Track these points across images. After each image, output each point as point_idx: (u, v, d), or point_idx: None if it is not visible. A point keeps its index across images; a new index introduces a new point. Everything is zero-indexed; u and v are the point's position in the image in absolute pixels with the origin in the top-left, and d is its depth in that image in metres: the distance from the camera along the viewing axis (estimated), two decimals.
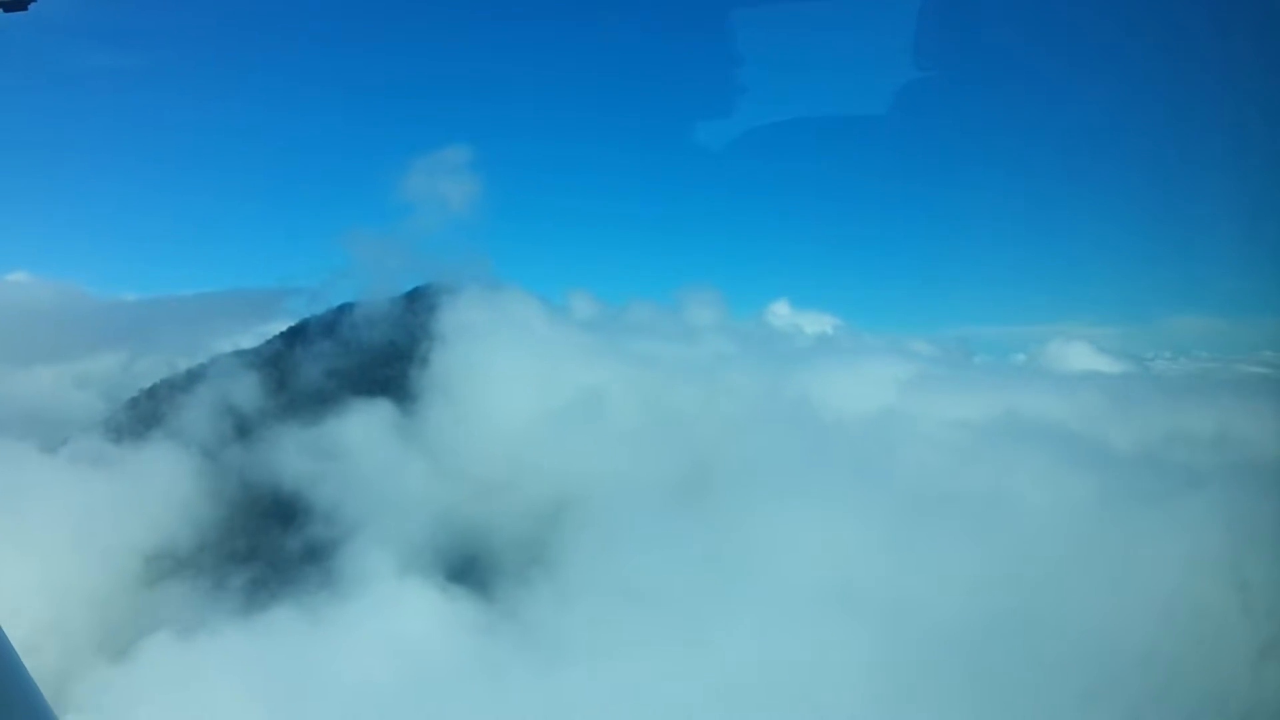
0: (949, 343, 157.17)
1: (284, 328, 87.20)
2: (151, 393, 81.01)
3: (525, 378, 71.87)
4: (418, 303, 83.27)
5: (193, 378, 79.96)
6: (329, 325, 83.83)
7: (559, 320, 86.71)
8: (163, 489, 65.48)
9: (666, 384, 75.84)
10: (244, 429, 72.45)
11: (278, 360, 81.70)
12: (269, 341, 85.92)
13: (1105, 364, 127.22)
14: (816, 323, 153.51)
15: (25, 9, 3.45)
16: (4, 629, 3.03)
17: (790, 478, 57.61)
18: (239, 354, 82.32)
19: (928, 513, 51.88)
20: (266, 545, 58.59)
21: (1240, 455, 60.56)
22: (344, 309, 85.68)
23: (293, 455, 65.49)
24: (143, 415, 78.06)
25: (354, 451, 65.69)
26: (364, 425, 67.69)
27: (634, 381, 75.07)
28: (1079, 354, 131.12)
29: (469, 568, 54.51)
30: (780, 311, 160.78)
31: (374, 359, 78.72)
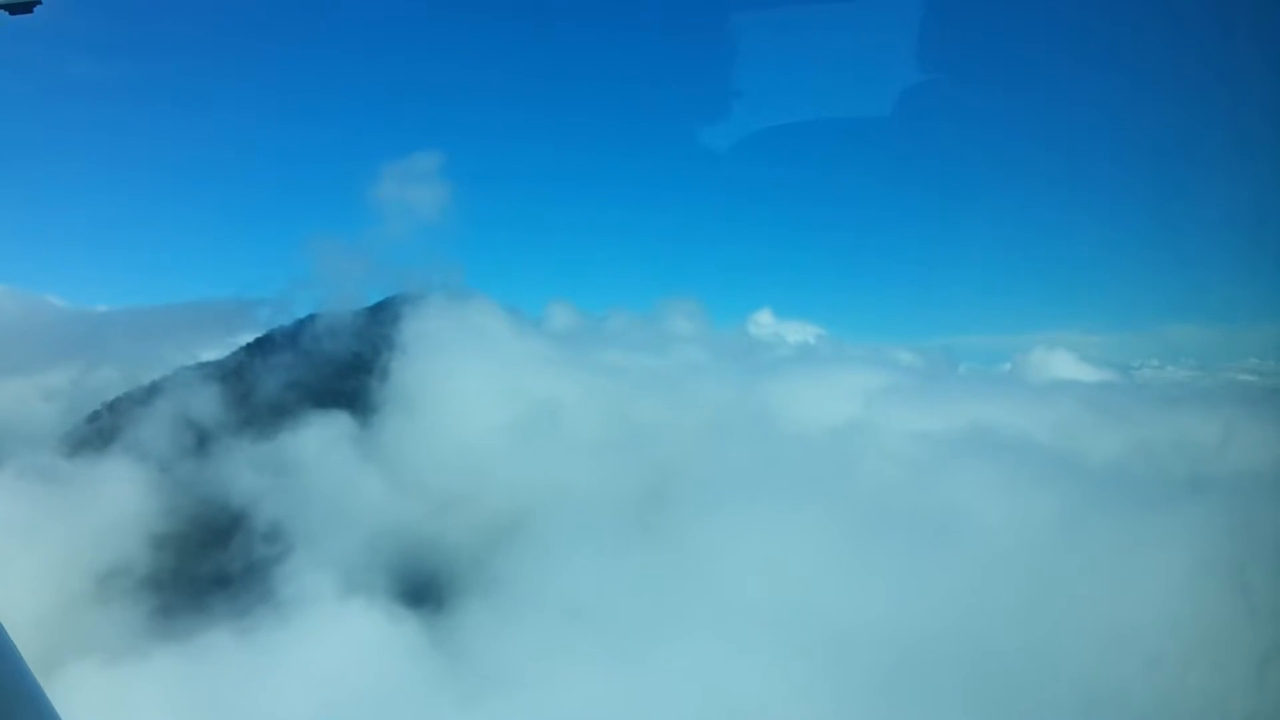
0: (934, 352, 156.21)
1: (251, 339, 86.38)
2: (113, 406, 79.83)
3: (487, 390, 70.80)
4: (382, 313, 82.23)
5: (154, 391, 78.74)
6: (294, 336, 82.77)
7: (527, 331, 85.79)
8: (115, 506, 64.25)
9: (631, 396, 74.80)
10: (202, 444, 71.20)
11: (241, 372, 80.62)
12: (235, 353, 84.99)
13: (1087, 373, 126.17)
14: (800, 332, 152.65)
15: (31, 11, 3.50)
16: (6, 630, 3.05)
17: (747, 493, 56.48)
18: (202, 366, 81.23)
19: (881, 530, 50.76)
20: (211, 565, 57.32)
21: (1211, 468, 59.55)
22: (310, 320, 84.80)
23: (247, 471, 64.32)
24: (102, 429, 76.82)
25: (309, 467, 64.51)
26: (321, 440, 66.53)
27: (598, 393, 74.04)
28: (1061, 362, 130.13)
29: (418, 587, 53.25)
30: (763, 321, 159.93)
31: (336, 371, 77.60)
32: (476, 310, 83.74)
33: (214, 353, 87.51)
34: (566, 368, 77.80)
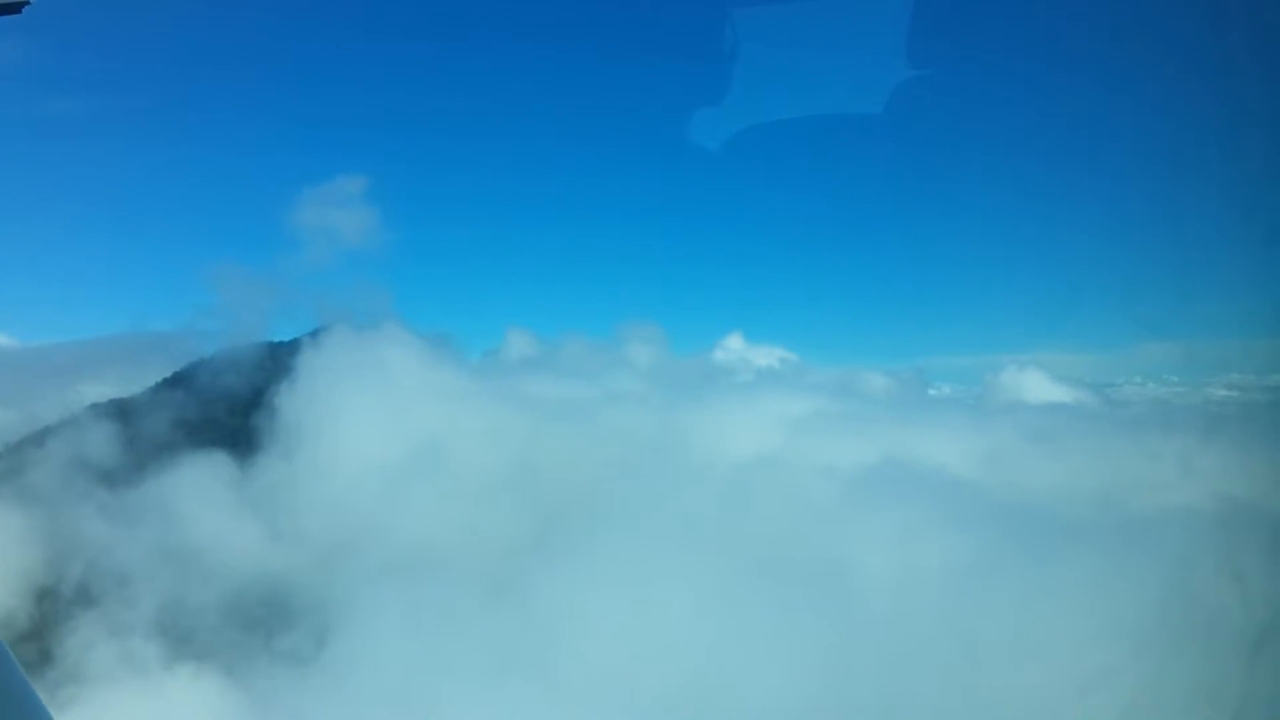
0: (907, 374, 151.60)
1: (162, 376, 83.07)
2: (6, 450, 76.51)
3: (379, 429, 66.86)
4: (286, 347, 78.80)
5: (47, 434, 75.38)
6: (200, 373, 79.49)
7: (445, 363, 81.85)
8: None
9: (540, 431, 70.61)
10: (81, 490, 67.64)
11: (138, 413, 76.91)
12: (143, 392, 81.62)
13: (1059, 393, 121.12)
14: (768, 357, 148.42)
15: (19, 12, 3.46)
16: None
17: (631, 538, 52.01)
18: (102, 406, 77.77)
19: (761, 580, 46.23)
20: (50, 625, 53.31)
21: (1156, 503, 54.54)
22: (220, 354, 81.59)
23: (106, 521, 60.49)
24: None
25: (177, 515, 60.60)
26: (195, 485, 62.65)
27: (504, 429, 69.92)
28: (1032, 383, 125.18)
29: (258, 648, 49.03)
30: (732, 345, 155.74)
31: (229, 410, 73.90)
32: (390, 343, 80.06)
33: (122, 390, 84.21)
34: (477, 402, 73.88)
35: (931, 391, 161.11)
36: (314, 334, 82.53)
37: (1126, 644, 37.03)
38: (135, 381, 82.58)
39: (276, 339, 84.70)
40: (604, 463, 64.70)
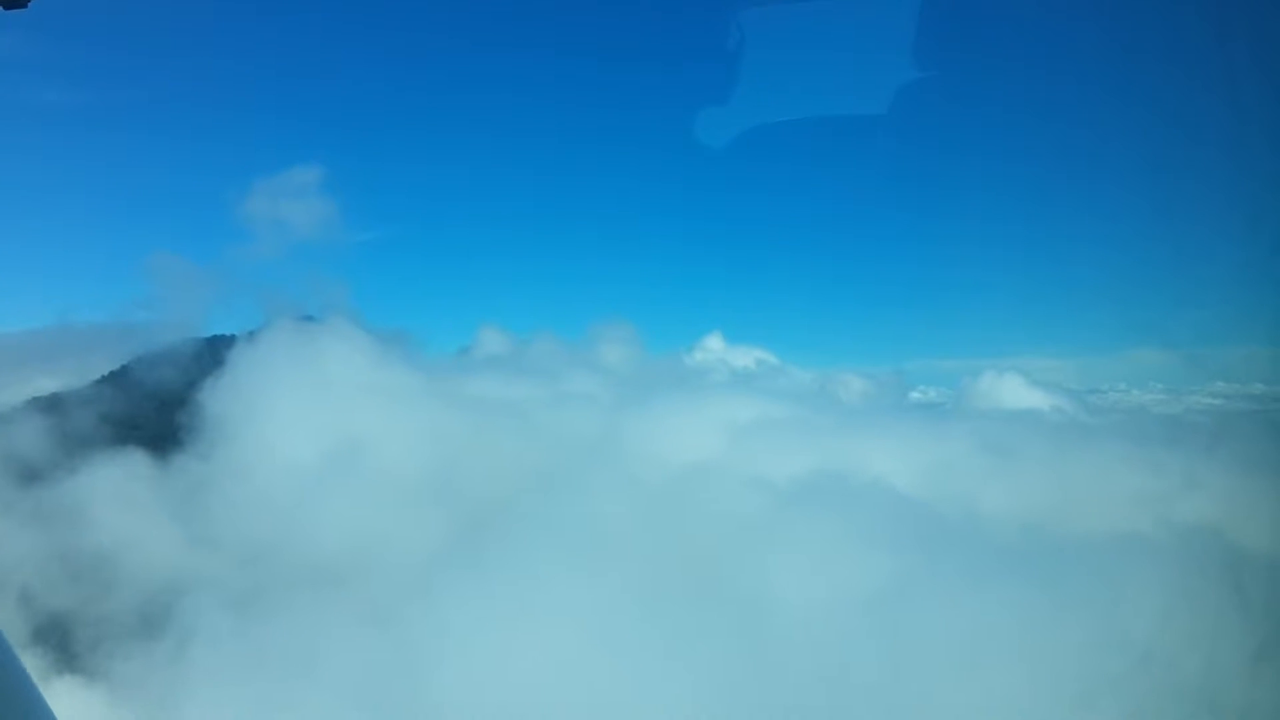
0: (886, 376, 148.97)
1: (103, 368, 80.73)
2: None
3: (311, 429, 64.34)
4: (224, 340, 76.43)
5: None
6: (144, 368, 77.11)
7: (390, 360, 79.24)
8: None
9: (481, 432, 68.02)
10: (9, 488, 65.29)
11: (69, 407, 74.70)
12: (84, 385, 79.33)
13: (1037, 398, 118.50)
14: (745, 357, 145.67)
15: (25, 6, 3.42)
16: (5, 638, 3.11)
17: (546, 550, 49.37)
18: (32, 402, 75.49)
19: (669, 597, 43.62)
20: None
21: (1110, 524, 51.77)
22: (165, 349, 79.24)
23: (23, 521, 58.03)
24: None
25: (93, 517, 58.16)
26: (116, 485, 60.20)
27: (443, 430, 67.36)
28: (1010, 388, 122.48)
29: (142, 654, 46.62)
30: (711, 346, 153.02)
31: (165, 406, 71.42)
32: (334, 339, 77.53)
33: (57, 384, 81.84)
34: (418, 402, 71.34)
35: (915, 394, 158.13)
36: (257, 329, 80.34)
37: (1036, 678, 34.37)
38: (73, 375, 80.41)
39: (221, 334, 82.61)
40: (537, 468, 62.16)
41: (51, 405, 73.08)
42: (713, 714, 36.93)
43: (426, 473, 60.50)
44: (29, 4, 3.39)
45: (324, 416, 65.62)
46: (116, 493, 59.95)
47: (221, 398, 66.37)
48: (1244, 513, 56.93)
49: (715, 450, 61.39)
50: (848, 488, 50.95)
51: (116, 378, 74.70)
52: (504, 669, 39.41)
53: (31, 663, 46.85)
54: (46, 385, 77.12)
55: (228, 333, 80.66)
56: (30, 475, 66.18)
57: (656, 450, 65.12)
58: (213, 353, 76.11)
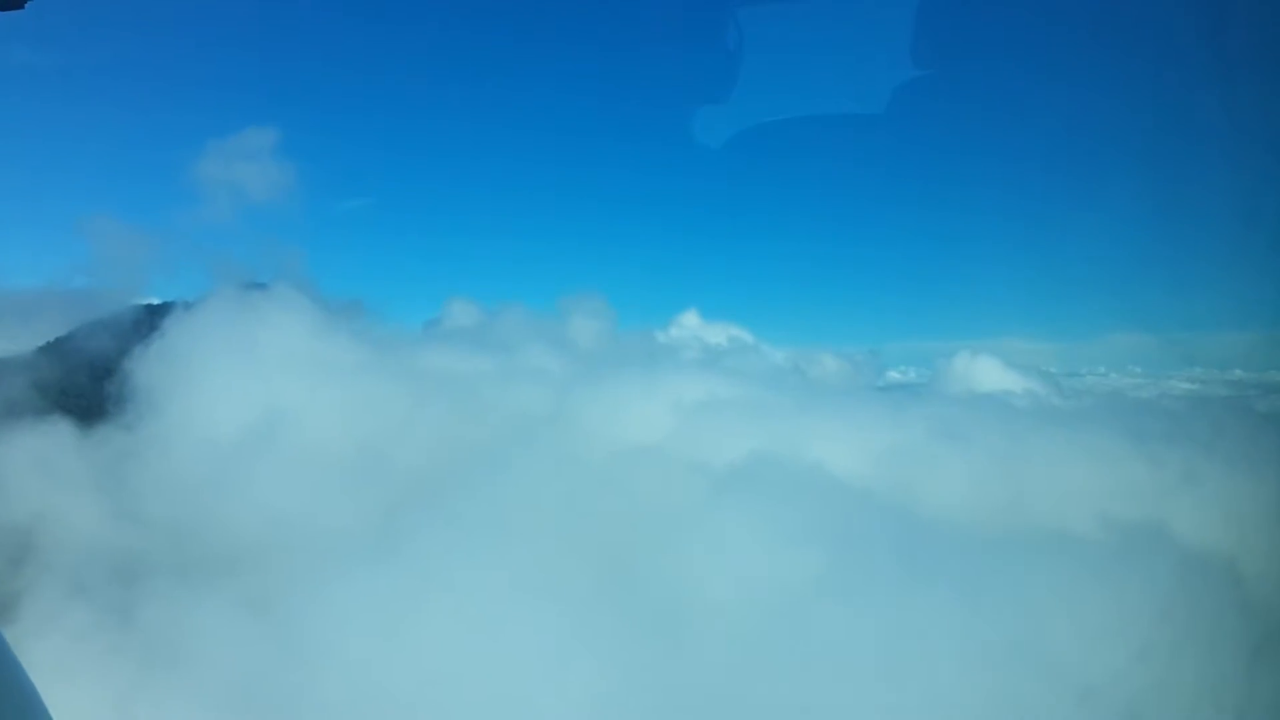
0: (862, 356, 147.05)
1: (37, 335, 78.10)
2: None
3: (242, 401, 61.97)
4: (165, 309, 73.78)
5: None
6: (81, 335, 74.54)
7: (336, 330, 76.65)
8: None
9: (421, 407, 65.89)
10: None
11: (18, 374, 72.23)
12: (33, 352, 76.79)
13: (1012, 381, 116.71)
14: (720, 334, 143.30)
15: (22, 7, 3.41)
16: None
17: (468, 535, 47.50)
18: None
19: (596, 586, 41.77)
20: None
21: (1040, 517, 50.03)
22: (102, 316, 76.57)
23: None
24: None
25: (17, 489, 55.99)
26: (33, 458, 57.92)
27: (381, 404, 65.14)
28: (985, 370, 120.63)
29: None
30: (687, 322, 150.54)
31: (96, 375, 69.15)
32: (278, 308, 74.84)
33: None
34: (360, 375, 68.92)
35: (894, 374, 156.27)
36: (197, 297, 77.74)
37: (945, 685, 32.65)
38: (11, 342, 77.84)
39: (166, 301, 79.97)
40: (473, 446, 60.09)
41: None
42: (614, 708, 35.30)
43: (357, 449, 58.42)
44: (24, 5, 3.34)
45: (256, 388, 63.33)
46: (37, 464, 57.83)
47: (151, 367, 63.99)
48: (1198, 506, 55.20)
49: (661, 431, 59.37)
50: (784, 474, 48.94)
51: (56, 346, 72.13)
52: (401, 656, 37.66)
53: None
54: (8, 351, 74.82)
55: (174, 300, 78.16)
56: None
57: (602, 429, 63.14)
58: (152, 321, 73.57)
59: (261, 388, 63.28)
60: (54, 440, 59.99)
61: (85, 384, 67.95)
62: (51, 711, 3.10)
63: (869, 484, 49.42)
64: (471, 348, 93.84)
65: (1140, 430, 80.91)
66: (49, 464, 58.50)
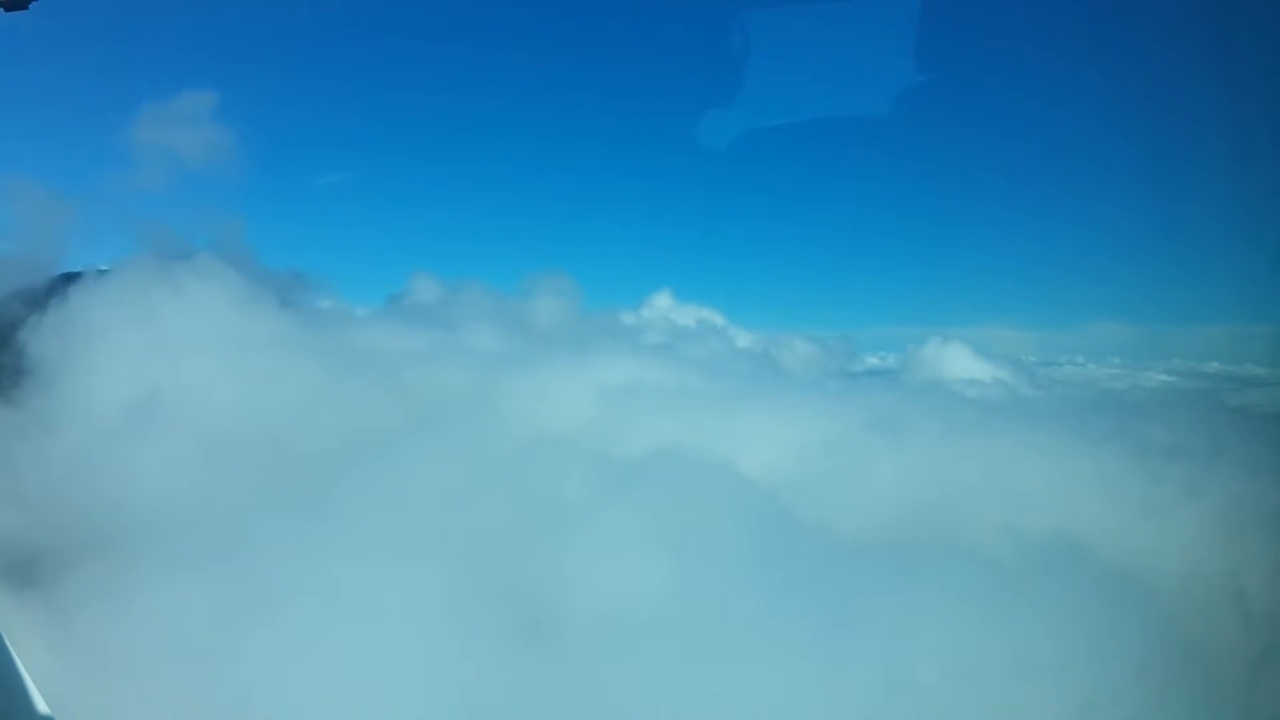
0: (834, 341, 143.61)
1: None
2: None
3: (137, 376, 58.91)
4: (74, 278, 70.61)
5: None
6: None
7: (263, 304, 73.33)
8: None
9: (333, 387, 62.78)
10: None
11: None
12: None
13: (981, 369, 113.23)
14: (690, 316, 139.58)
15: (26, 8, 3.44)
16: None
17: (355, 524, 44.66)
18: None
19: (466, 585, 38.94)
20: None
21: (957, 527, 46.63)
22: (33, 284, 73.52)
23: None
24: None
25: None
26: None
27: (290, 383, 62.09)
28: (955, 357, 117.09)
29: None
30: (659, 303, 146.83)
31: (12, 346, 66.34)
32: (199, 278, 71.54)
33: None
34: (280, 350, 65.86)
35: (875, 359, 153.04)
36: (111, 266, 74.57)
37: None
38: None
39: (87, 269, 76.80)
40: (379, 431, 57.07)
41: None
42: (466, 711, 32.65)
43: (253, 431, 55.40)
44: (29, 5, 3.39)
45: (155, 363, 60.27)
46: None
47: (47, 339, 61.02)
48: (1131, 510, 51.87)
49: (578, 419, 56.28)
50: (687, 471, 45.58)
51: None
52: (239, 653, 34.94)
53: None
54: None
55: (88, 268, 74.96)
56: None
57: (518, 416, 60.04)
58: (65, 290, 70.50)
59: (161, 363, 60.20)
60: None
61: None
62: None
63: (778, 482, 46.14)
64: (415, 326, 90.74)
65: (1100, 425, 77.71)
66: None
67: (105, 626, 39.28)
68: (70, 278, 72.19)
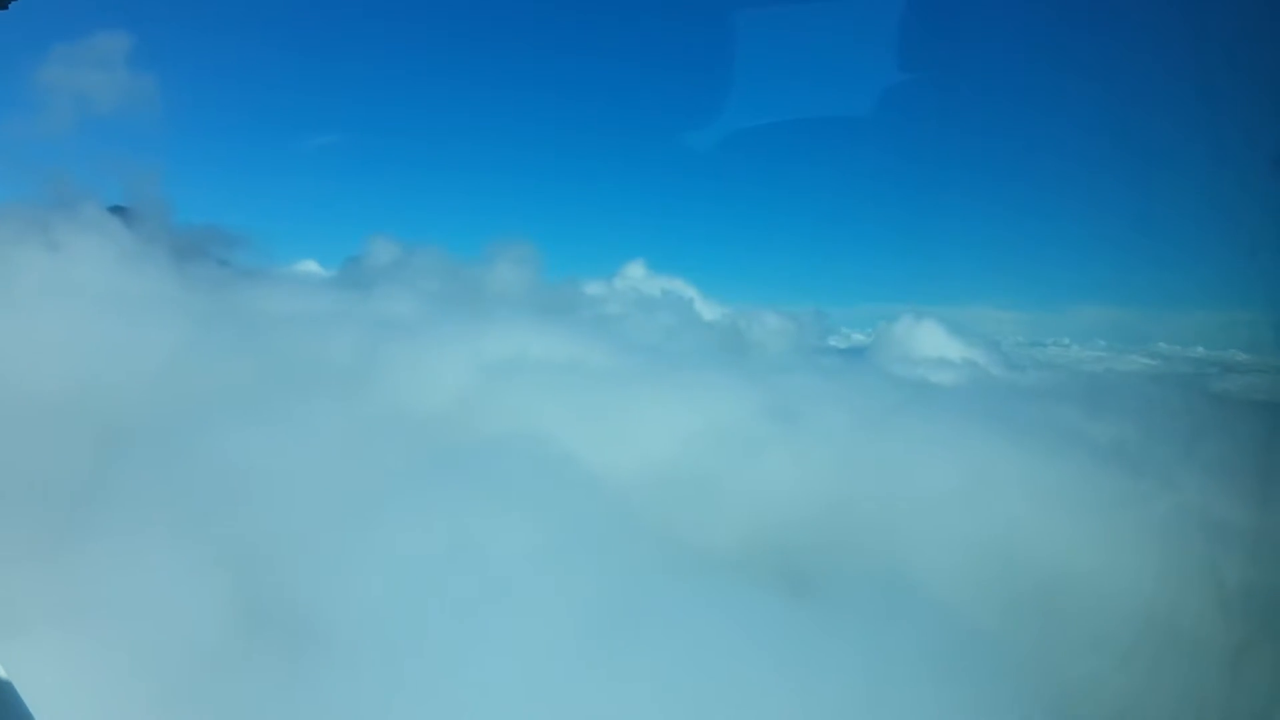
0: (806, 317, 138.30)
1: None
2: None
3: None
4: None
5: None
6: None
7: (150, 259, 68.63)
8: None
9: (208, 356, 58.15)
10: None
11: None
12: None
13: (953, 348, 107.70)
14: (657, 287, 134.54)
15: (5, 8, 3.39)
16: None
17: (160, 508, 40.21)
18: None
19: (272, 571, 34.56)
20: None
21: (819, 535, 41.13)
22: None
23: None
24: None
25: None
26: None
27: (160, 348, 57.51)
28: (925, 335, 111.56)
29: None
30: (632, 273, 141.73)
31: None
32: (73, 231, 66.73)
33: None
34: (148, 313, 61.24)
35: (860, 336, 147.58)
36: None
37: None
38: None
39: None
40: (243, 404, 52.42)
41: None
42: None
43: (97, 397, 50.91)
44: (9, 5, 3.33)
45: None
46: None
47: None
48: (1075, 511, 46.91)
49: (443, 395, 51.41)
50: (530, 462, 40.30)
51: None
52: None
53: None
54: None
55: None
56: None
57: (406, 388, 55.48)
58: None
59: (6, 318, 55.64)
60: None
61: None
62: None
63: (635, 481, 40.78)
64: (336, 291, 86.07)
65: (1059, 411, 72.48)
66: None
67: None
68: None
